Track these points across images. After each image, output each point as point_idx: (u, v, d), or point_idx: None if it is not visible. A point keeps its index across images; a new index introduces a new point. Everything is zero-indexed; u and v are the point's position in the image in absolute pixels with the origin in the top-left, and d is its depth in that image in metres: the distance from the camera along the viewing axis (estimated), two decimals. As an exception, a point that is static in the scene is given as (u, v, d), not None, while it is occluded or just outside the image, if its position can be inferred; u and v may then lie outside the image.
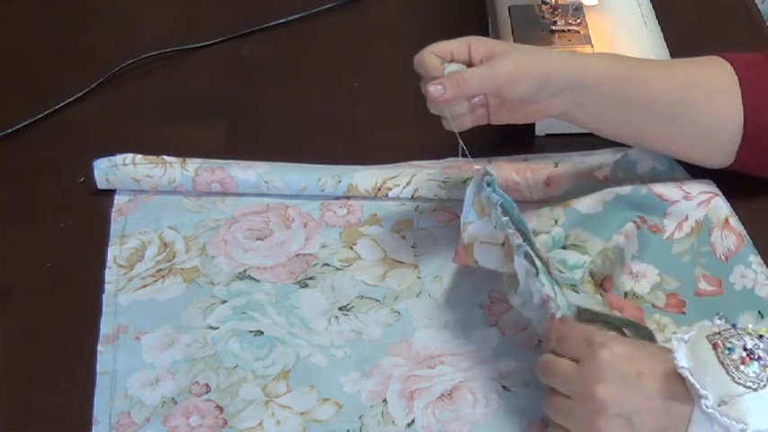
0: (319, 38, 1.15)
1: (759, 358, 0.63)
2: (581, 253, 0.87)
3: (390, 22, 1.18)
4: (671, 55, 1.03)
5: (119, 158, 0.95)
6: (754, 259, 0.85)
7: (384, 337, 0.84)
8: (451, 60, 0.83)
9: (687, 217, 0.88)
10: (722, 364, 0.63)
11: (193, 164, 0.95)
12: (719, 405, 0.62)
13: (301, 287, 0.88)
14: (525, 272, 0.76)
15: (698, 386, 0.63)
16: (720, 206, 0.88)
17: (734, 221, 0.88)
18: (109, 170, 0.95)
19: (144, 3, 1.21)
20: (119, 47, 1.13)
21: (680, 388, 0.65)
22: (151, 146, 0.97)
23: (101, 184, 0.96)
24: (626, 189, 0.90)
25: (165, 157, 0.96)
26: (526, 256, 0.76)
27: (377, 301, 0.87)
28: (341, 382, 0.81)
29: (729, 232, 0.87)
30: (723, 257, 0.86)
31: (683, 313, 0.83)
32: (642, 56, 1.01)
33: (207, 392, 0.80)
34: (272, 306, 0.86)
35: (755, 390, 0.62)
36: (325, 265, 0.90)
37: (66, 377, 0.82)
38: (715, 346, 0.64)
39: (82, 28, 1.17)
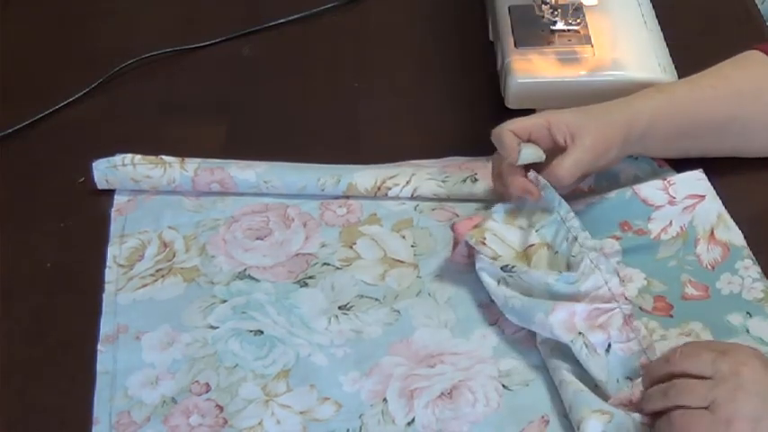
0: (319, 38, 1.15)
1: None
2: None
3: (390, 22, 1.18)
4: (671, 55, 1.02)
5: (118, 159, 0.95)
6: (741, 265, 0.86)
7: (384, 336, 0.84)
8: (528, 139, 0.86)
9: (671, 222, 0.89)
10: None
11: (192, 164, 0.95)
12: None
13: (301, 286, 0.88)
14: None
15: None
16: (707, 211, 0.89)
17: (720, 232, 0.88)
18: (108, 171, 0.95)
19: (144, 3, 1.21)
20: (119, 47, 1.13)
21: None
22: (151, 146, 0.97)
23: (100, 184, 0.96)
24: (611, 193, 0.91)
25: (164, 157, 0.96)
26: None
27: (377, 300, 0.86)
28: (341, 382, 0.80)
29: (715, 245, 0.88)
30: (709, 266, 0.87)
31: (671, 316, 0.84)
32: (642, 56, 1.01)
33: (207, 392, 0.80)
34: (271, 305, 0.86)
35: None
36: (324, 264, 0.90)
37: (67, 377, 0.82)
38: None
39: (82, 28, 1.17)
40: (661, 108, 0.88)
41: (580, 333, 0.77)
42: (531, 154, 0.86)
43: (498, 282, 0.83)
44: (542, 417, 0.77)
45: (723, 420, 0.67)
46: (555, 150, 0.86)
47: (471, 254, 0.85)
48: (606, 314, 0.77)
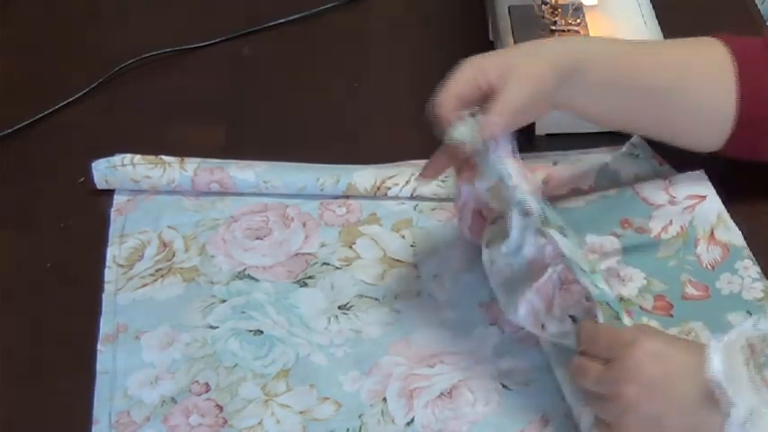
0: (319, 38, 1.15)
1: None
2: None
3: (391, 22, 1.18)
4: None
5: (117, 159, 0.95)
6: (740, 265, 0.86)
7: (383, 336, 0.84)
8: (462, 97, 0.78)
9: (671, 221, 0.89)
10: (752, 380, 0.63)
11: (192, 164, 0.95)
12: (746, 421, 0.62)
13: (301, 286, 0.88)
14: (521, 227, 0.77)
15: (729, 397, 0.62)
16: (707, 211, 0.89)
17: (720, 232, 0.88)
18: (108, 171, 0.95)
19: (144, 3, 1.21)
20: (119, 47, 1.13)
21: (711, 396, 0.64)
22: (151, 146, 0.97)
23: (100, 184, 0.96)
24: (611, 192, 0.91)
25: (163, 157, 0.96)
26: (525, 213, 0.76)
27: (376, 300, 0.86)
28: (340, 381, 0.81)
29: (715, 245, 0.87)
30: (709, 266, 0.87)
31: (671, 316, 0.83)
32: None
33: (206, 392, 0.80)
34: (271, 305, 0.86)
35: None
36: (324, 264, 0.90)
37: (67, 377, 0.82)
38: (747, 361, 0.63)
39: (82, 28, 1.17)
40: (599, 49, 0.83)
41: (543, 326, 0.76)
42: (464, 133, 0.77)
43: (491, 263, 0.81)
44: (542, 417, 0.77)
45: (615, 408, 0.68)
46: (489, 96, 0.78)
47: (475, 230, 0.83)
48: (550, 284, 0.76)
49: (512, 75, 0.78)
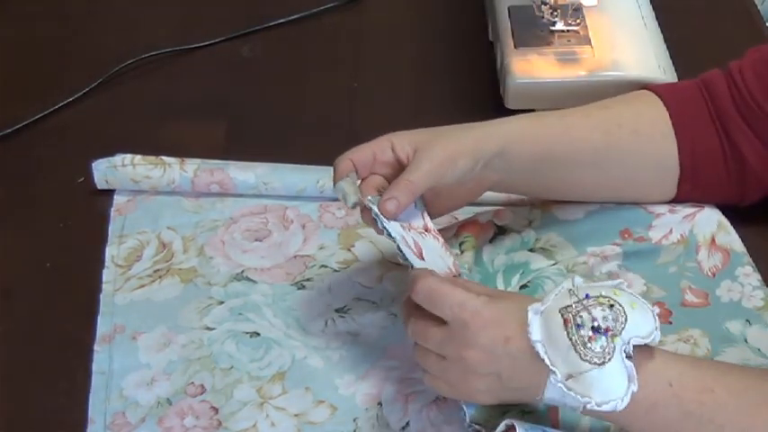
0: (319, 38, 1.15)
1: (606, 331, 0.66)
2: (547, 257, 0.87)
3: (390, 22, 1.18)
4: (670, 55, 1.02)
5: (117, 159, 0.95)
6: (741, 272, 0.85)
7: (380, 339, 0.84)
8: (375, 161, 0.80)
9: (672, 230, 0.88)
10: (571, 340, 0.66)
11: (192, 165, 0.95)
12: (567, 379, 0.66)
13: (298, 288, 0.88)
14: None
15: (548, 362, 0.66)
16: (707, 219, 0.89)
17: (720, 237, 0.88)
18: (108, 171, 0.95)
19: (144, 3, 1.21)
20: (119, 47, 1.13)
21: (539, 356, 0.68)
22: (151, 146, 0.97)
23: (100, 184, 0.96)
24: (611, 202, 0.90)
25: (163, 157, 0.96)
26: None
27: (373, 303, 0.87)
28: (336, 384, 0.81)
29: (716, 251, 0.87)
30: (710, 273, 0.86)
31: (670, 323, 0.83)
32: (641, 56, 1.02)
33: (202, 393, 0.80)
34: (268, 307, 0.86)
35: (601, 365, 0.65)
36: (322, 266, 0.90)
37: (65, 377, 0.82)
38: (566, 322, 0.66)
39: (82, 28, 1.17)
40: (522, 128, 0.83)
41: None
42: (342, 190, 0.79)
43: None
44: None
45: (463, 395, 0.73)
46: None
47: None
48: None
49: (423, 153, 0.78)
